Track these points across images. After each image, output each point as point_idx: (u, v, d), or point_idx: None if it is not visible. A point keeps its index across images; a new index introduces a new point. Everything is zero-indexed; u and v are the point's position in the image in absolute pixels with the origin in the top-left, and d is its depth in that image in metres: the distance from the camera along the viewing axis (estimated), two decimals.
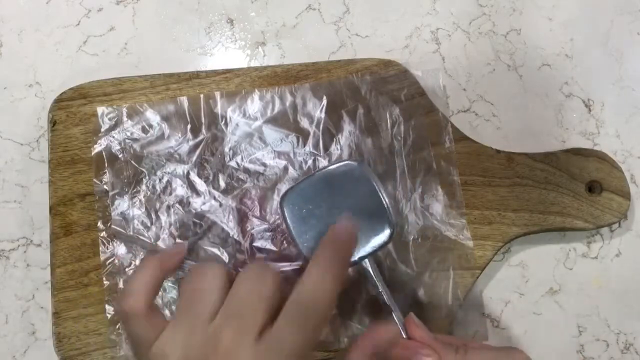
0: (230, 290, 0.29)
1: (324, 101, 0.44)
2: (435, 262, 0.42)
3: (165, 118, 0.43)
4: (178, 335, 0.28)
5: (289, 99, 0.44)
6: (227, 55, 0.48)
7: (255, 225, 0.41)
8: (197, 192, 0.42)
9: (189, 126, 0.43)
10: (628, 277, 0.45)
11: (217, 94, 0.44)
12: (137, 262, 0.41)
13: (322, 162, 0.43)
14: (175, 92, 0.44)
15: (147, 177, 0.42)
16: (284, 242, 0.41)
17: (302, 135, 0.43)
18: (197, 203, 0.42)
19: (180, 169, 0.42)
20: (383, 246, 0.35)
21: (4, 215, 0.44)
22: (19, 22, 0.47)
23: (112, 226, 0.41)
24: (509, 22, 0.50)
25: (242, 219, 0.42)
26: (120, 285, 0.40)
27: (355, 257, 0.34)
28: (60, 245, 0.41)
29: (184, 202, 0.42)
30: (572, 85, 0.48)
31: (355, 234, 0.33)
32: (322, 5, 0.49)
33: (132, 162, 0.42)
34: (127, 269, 0.40)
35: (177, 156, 0.42)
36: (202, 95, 0.44)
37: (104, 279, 0.40)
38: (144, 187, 0.42)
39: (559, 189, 0.43)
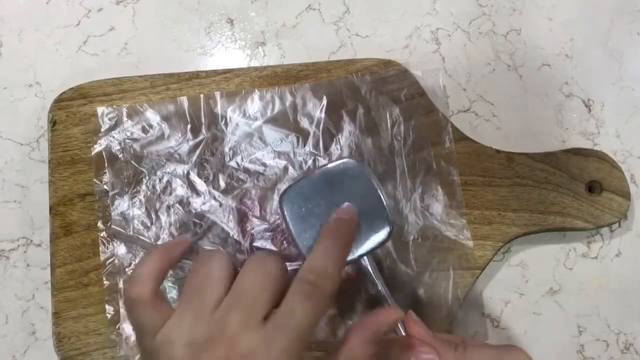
0: (235, 279, 0.30)
1: (324, 101, 0.44)
2: (435, 262, 0.42)
3: (165, 118, 0.43)
4: (184, 322, 0.29)
5: (289, 99, 0.44)
6: (227, 55, 0.48)
7: (255, 225, 0.41)
8: (197, 192, 0.42)
9: (189, 126, 0.43)
10: (628, 277, 0.45)
11: (217, 94, 0.44)
12: (138, 261, 0.41)
13: (322, 162, 0.43)
14: (175, 92, 0.44)
15: (147, 177, 0.42)
16: (284, 242, 0.41)
17: (302, 135, 0.43)
18: (197, 203, 0.42)
19: (180, 169, 0.42)
20: (382, 244, 0.35)
21: (4, 215, 0.44)
22: (19, 22, 0.47)
23: (112, 226, 0.41)
24: (509, 22, 0.50)
25: (242, 219, 0.42)
26: (120, 285, 0.40)
27: (355, 255, 0.34)
28: (60, 245, 0.41)
29: (184, 202, 0.42)
30: (572, 85, 0.48)
31: (356, 215, 0.34)
32: (322, 5, 0.49)
33: (132, 162, 0.42)
34: (127, 269, 0.40)
35: (177, 156, 0.42)
36: (202, 95, 0.44)
37: (104, 279, 0.40)
38: (144, 187, 0.42)
39: (559, 189, 0.43)
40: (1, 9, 0.48)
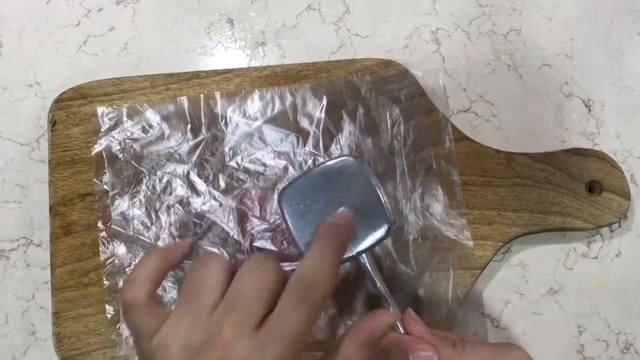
0: (232, 282, 0.30)
1: (324, 101, 0.44)
2: (435, 262, 0.42)
3: (165, 118, 0.43)
4: (180, 325, 0.29)
5: (289, 99, 0.44)
6: (227, 55, 0.48)
7: (255, 225, 0.41)
8: (197, 192, 0.42)
9: (189, 126, 0.43)
10: (628, 277, 0.45)
11: (217, 94, 0.44)
12: (137, 262, 0.41)
13: (321, 160, 0.43)
14: (175, 92, 0.44)
15: (147, 177, 0.42)
16: (284, 242, 0.41)
17: (302, 135, 0.43)
18: (197, 203, 0.42)
19: (180, 169, 0.42)
20: (380, 241, 0.35)
21: (4, 215, 0.44)
22: (19, 22, 0.47)
23: (112, 226, 0.41)
24: (509, 22, 0.50)
25: (242, 219, 0.42)
26: (121, 285, 0.40)
27: (353, 252, 0.34)
28: (60, 245, 0.41)
29: (184, 202, 0.42)
30: (572, 85, 0.48)
31: (352, 221, 0.33)
32: (322, 5, 0.49)
33: (132, 162, 0.42)
34: (127, 269, 0.40)
35: (177, 156, 0.42)
36: (202, 95, 0.44)
37: (104, 279, 0.40)
38: (144, 187, 0.42)
39: (559, 189, 0.43)
40: (1, 9, 0.48)
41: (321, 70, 0.45)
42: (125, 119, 0.43)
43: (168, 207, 0.42)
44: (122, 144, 0.42)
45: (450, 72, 0.48)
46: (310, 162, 0.43)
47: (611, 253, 0.46)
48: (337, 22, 0.49)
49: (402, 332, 0.34)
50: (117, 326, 0.40)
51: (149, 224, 0.41)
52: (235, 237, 0.41)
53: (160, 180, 0.42)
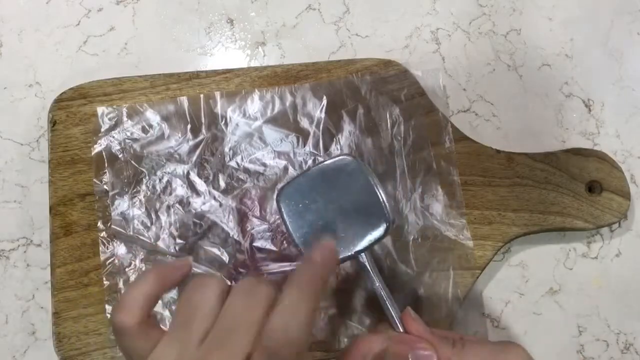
0: (223, 308, 0.29)
1: (324, 101, 0.44)
2: (435, 262, 0.42)
3: (165, 118, 0.43)
4: (170, 352, 0.28)
5: (289, 99, 0.44)
6: (227, 55, 0.48)
7: (255, 225, 0.41)
8: (197, 192, 0.42)
9: (189, 126, 0.43)
10: (628, 277, 0.45)
11: (217, 94, 0.44)
12: (137, 262, 0.41)
13: (320, 160, 0.43)
14: (175, 92, 0.44)
15: (147, 177, 0.42)
16: (284, 242, 0.41)
17: (302, 135, 0.43)
18: (197, 203, 0.42)
19: (180, 169, 0.42)
20: (379, 240, 0.35)
21: (4, 215, 0.44)
22: (19, 22, 0.47)
23: (112, 226, 0.41)
24: (509, 22, 0.50)
25: (242, 219, 0.42)
26: (120, 285, 0.40)
27: (352, 252, 0.34)
28: (60, 245, 0.41)
29: (184, 202, 0.42)
30: (572, 85, 0.48)
31: (334, 252, 0.32)
32: (322, 5, 0.49)
33: (132, 162, 0.42)
34: (127, 269, 0.40)
35: (177, 156, 0.42)
36: (202, 95, 0.44)
37: (104, 279, 0.40)
38: (144, 187, 0.42)
39: (559, 189, 0.43)
40: (1, 9, 0.48)
41: (321, 70, 0.45)
42: (125, 119, 0.43)
43: (168, 207, 0.42)
44: (122, 144, 0.42)
45: (450, 72, 0.48)
46: (310, 162, 0.43)
47: (611, 253, 0.46)
48: (337, 22, 0.49)
49: (401, 331, 0.34)
50: None
51: (149, 224, 0.41)
52: (235, 237, 0.41)
53: (160, 180, 0.42)
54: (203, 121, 0.43)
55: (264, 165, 0.43)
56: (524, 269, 0.45)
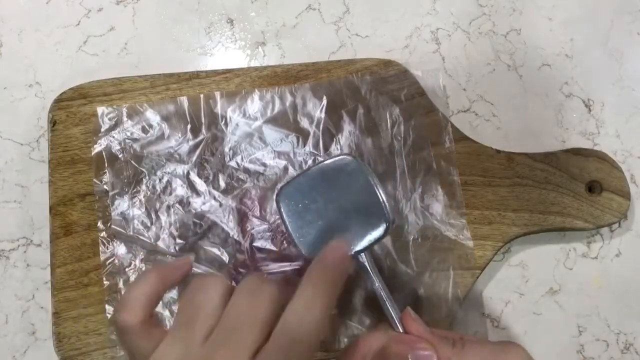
0: (226, 307, 0.29)
1: (324, 101, 0.44)
2: (435, 262, 0.42)
3: (165, 118, 0.43)
4: (173, 351, 0.28)
5: (289, 99, 0.44)
6: (227, 55, 0.48)
7: (255, 225, 0.41)
8: (197, 192, 0.42)
9: (189, 126, 0.43)
10: (628, 277, 0.45)
11: (217, 94, 0.44)
12: (137, 262, 0.41)
13: (320, 159, 0.43)
14: (175, 92, 0.44)
15: (147, 177, 0.42)
16: (284, 242, 0.41)
17: (302, 135, 0.43)
18: (197, 203, 0.42)
19: (180, 169, 0.42)
20: (379, 240, 0.34)
21: (4, 215, 0.44)
22: (19, 22, 0.47)
23: (112, 226, 0.41)
24: (509, 22, 0.50)
25: (242, 219, 0.42)
26: (120, 285, 0.40)
27: (352, 252, 0.34)
28: (60, 245, 0.41)
29: (184, 202, 0.42)
30: (572, 85, 0.48)
31: (348, 257, 0.32)
32: (322, 5, 0.49)
33: (132, 162, 0.42)
34: (127, 269, 0.40)
35: (177, 156, 0.42)
36: (202, 95, 0.44)
37: (104, 279, 0.40)
38: (144, 187, 0.42)
39: (559, 189, 0.43)
40: (1, 9, 0.48)
41: (321, 70, 0.45)
42: (125, 119, 0.43)
43: (168, 207, 0.42)
44: (122, 144, 0.42)
45: (450, 72, 0.48)
46: (310, 162, 0.43)
47: (611, 253, 0.46)
48: (337, 22, 0.49)
49: (401, 331, 0.34)
50: None
51: (149, 224, 0.41)
52: (235, 237, 0.41)
53: (160, 180, 0.42)
54: (203, 121, 0.43)
55: (264, 165, 0.43)
56: (524, 269, 0.45)
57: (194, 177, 0.42)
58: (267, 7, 0.49)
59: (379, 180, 0.35)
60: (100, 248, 0.41)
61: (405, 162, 0.43)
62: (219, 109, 0.43)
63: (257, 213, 0.42)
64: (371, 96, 0.44)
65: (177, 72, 0.44)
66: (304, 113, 0.44)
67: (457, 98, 0.48)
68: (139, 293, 0.29)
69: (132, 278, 0.40)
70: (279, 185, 0.42)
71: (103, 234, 0.41)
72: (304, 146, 0.43)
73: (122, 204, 0.41)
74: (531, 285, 0.45)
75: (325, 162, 0.36)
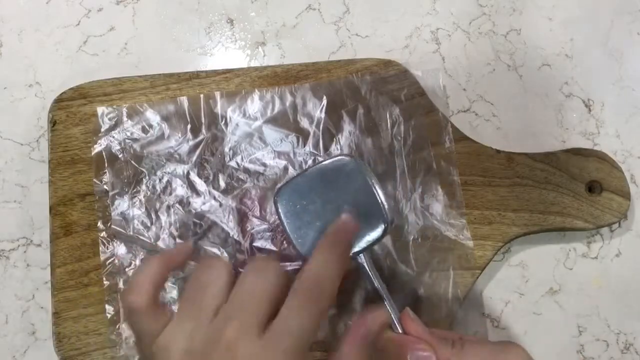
0: (235, 284, 0.30)
1: (324, 101, 0.44)
2: (435, 262, 0.42)
3: (165, 118, 0.43)
4: (182, 329, 0.28)
5: (289, 99, 0.44)
6: (227, 55, 0.48)
7: (255, 225, 0.41)
8: (197, 192, 0.42)
9: (189, 126, 0.43)
10: (628, 277, 0.45)
11: (217, 94, 0.44)
12: (137, 262, 0.41)
13: (319, 160, 0.43)
14: (175, 92, 0.44)
15: (147, 177, 0.42)
16: (284, 242, 0.41)
17: (302, 135, 0.43)
18: (197, 203, 0.42)
19: (180, 169, 0.42)
20: (378, 241, 0.35)
21: (4, 215, 0.44)
22: (19, 22, 0.47)
23: (112, 226, 0.41)
24: (509, 22, 0.50)
25: (242, 219, 0.42)
26: (121, 285, 0.40)
27: (350, 253, 0.34)
28: (60, 245, 0.41)
29: (184, 202, 0.42)
30: (572, 85, 0.48)
31: (356, 225, 0.34)
32: (322, 5, 0.49)
33: (132, 162, 0.42)
34: (127, 269, 0.40)
35: (177, 156, 0.42)
36: (202, 95, 0.44)
37: (104, 279, 0.40)
38: (144, 187, 0.42)
39: (559, 189, 0.43)
40: (1, 9, 0.48)
41: (321, 70, 0.45)
42: (125, 119, 0.43)
43: (168, 207, 0.42)
44: (122, 144, 0.42)
45: (450, 72, 0.48)
46: (310, 162, 0.43)
47: (611, 253, 0.46)
48: (337, 22, 0.49)
49: (400, 331, 0.34)
50: (117, 326, 0.40)
51: (149, 224, 0.41)
52: (235, 237, 0.41)
53: (160, 180, 0.42)
54: (203, 121, 0.43)
55: (264, 165, 0.43)
56: (524, 269, 0.45)
57: (194, 177, 0.42)
58: (267, 7, 0.49)
59: (379, 181, 0.35)
60: (100, 248, 0.41)
61: (405, 162, 0.43)
62: (219, 109, 0.43)
63: (257, 213, 0.42)
64: (371, 96, 0.44)
65: (177, 72, 0.44)
66: (304, 113, 0.44)
67: (457, 98, 0.48)
68: (145, 276, 0.31)
69: None
70: (278, 185, 0.42)
71: (103, 234, 0.41)
72: (304, 146, 0.43)
73: (122, 204, 0.41)
74: (531, 285, 0.45)
75: (324, 162, 0.36)
